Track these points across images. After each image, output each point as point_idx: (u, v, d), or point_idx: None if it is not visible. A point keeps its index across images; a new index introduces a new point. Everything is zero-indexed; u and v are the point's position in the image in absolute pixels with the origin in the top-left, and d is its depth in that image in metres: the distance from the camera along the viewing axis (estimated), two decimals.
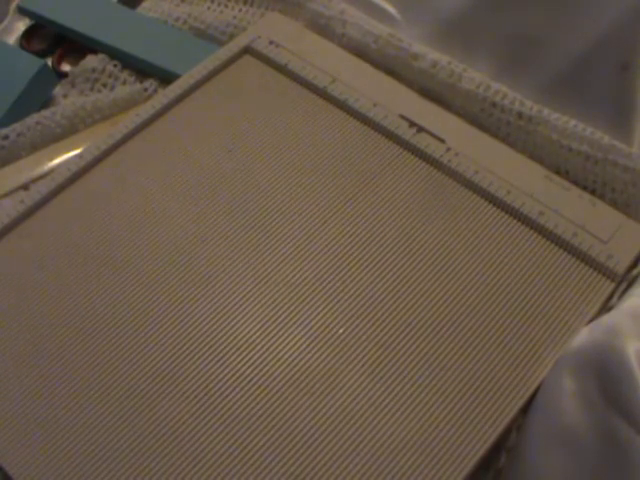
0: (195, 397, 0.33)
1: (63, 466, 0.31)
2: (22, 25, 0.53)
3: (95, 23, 0.49)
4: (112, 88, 0.48)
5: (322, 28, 0.47)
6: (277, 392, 0.33)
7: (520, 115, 0.41)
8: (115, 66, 0.48)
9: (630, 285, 0.36)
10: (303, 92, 0.44)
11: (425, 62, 0.43)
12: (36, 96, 0.47)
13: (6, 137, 0.43)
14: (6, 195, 0.42)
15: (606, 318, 0.32)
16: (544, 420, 0.31)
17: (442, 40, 0.46)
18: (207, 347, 0.34)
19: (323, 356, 0.34)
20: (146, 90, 0.47)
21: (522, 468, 0.32)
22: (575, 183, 0.40)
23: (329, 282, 0.36)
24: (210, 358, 0.34)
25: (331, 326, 0.35)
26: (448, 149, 0.41)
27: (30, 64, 0.46)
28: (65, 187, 0.40)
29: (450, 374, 0.33)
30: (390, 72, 0.45)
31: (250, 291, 0.36)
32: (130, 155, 0.41)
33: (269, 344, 0.34)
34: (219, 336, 0.34)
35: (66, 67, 0.50)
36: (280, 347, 0.34)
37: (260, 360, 0.34)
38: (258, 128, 0.42)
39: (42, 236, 0.38)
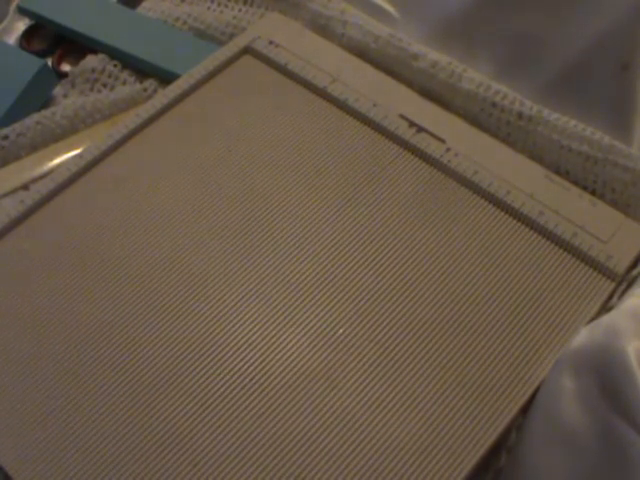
0: (195, 397, 0.33)
1: (63, 466, 0.31)
2: (22, 25, 0.53)
3: (95, 23, 0.49)
4: (112, 88, 0.48)
5: (322, 28, 0.47)
6: (277, 392, 0.33)
7: (520, 115, 0.41)
8: (115, 66, 0.48)
9: (630, 285, 0.36)
10: (303, 92, 0.44)
11: (425, 62, 0.43)
12: (36, 96, 0.47)
13: (6, 137, 0.43)
14: (6, 195, 0.42)
15: (606, 318, 0.32)
16: (544, 420, 0.31)
17: (442, 40, 0.46)
18: (207, 347, 0.34)
19: (323, 356, 0.34)
20: (146, 90, 0.47)
21: (522, 468, 0.32)
22: (575, 183, 0.40)
23: (329, 282, 0.36)
24: (210, 358, 0.34)
25: (331, 326, 0.35)
26: (448, 149, 0.41)
27: (30, 64, 0.46)
28: (65, 187, 0.40)
29: (450, 374, 0.33)
30: (390, 72, 0.45)
31: (250, 291, 0.36)
32: (130, 155, 0.41)
33: (269, 344, 0.34)
34: (219, 336, 0.34)
35: (66, 67, 0.50)
36: (280, 347, 0.34)
37: (260, 360, 0.34)
38: (258, 128, 0.42)
39: (42, 236, 0.38)
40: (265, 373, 0.33)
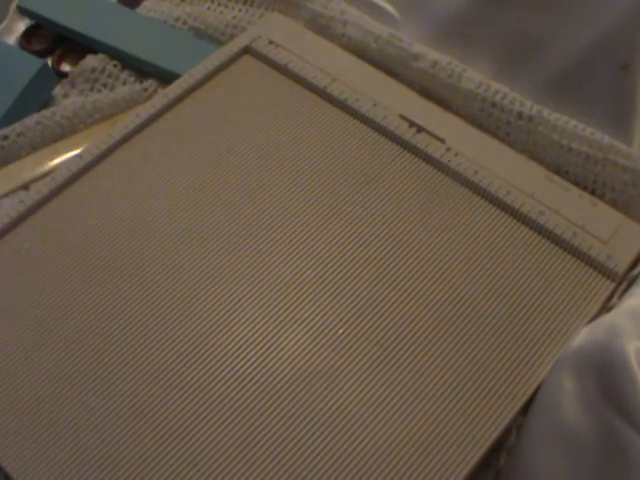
0: (195, 397, 0.33)
1: (63, 466, 0.31)
2: (22, 25, 0.53)
3: (95, 23, 0.49)
4: (112, 88, 0.48)
5: (322, 28, 0.47)
6: (277, 392, 0.33)
7: (520, 115, 0.41)
8: (115, 66, 0.48)
9: (630, 285, 0.36)
10: (303, 92, 0.44)
11: (425, 62, 0.43)
12: (36, 96, 0.47)
13: (6, 137, 0.43)
14: (6, 195, 0.42)
15: (606, 318, 0.32)
16: (544, 420, 0.31)
17: (442, 40, 0.46)
18: (207, 347, 0.34)
19: (323, 356, 0.34)
20: (146, 90, 0.47)
21: (522, 468, 0.32)
22: (575, 183, 0.40)
23: (329, 282, 0.36)
24: (210, 358, 0.34)
25: (331, 326, 0.35)
26: (448, 149, 0.41)
27: (30, 64, 0.46)
28: (65, 187, 0.40)
29: (450, 374, 0.33)
30: (390, 72, 0.45)
31: (250, 291, 0.36)
32: (130, 155, 0.41)
33: (269, 344, 0.34)
34: (219, 336, 0.34)
35: (66, 67, 0.50)
36: (280, 347, 0.34)
37: (260, 360, 0.34)
38: (258, 128, 0.42)
39: (42, 236, 0.38)
40: (265, 373, 0.33)
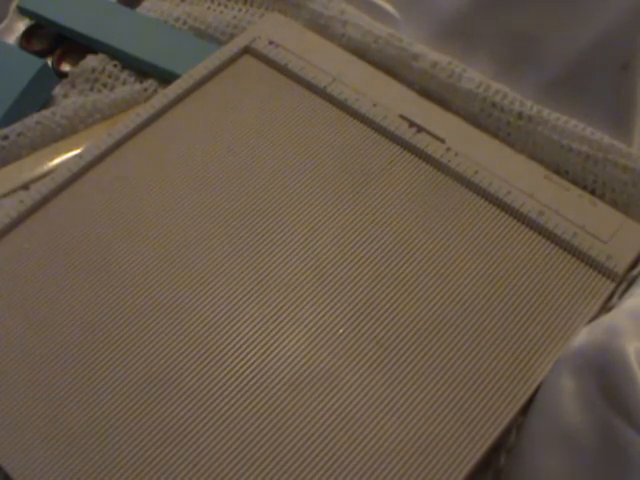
0: (195, 398, 0.33)
1: (63, 466, 0.31)
2: (22, 25, 0.53)
3: (95, 23, 0.49)
4: (112, 88, 0.48)
5: (322, 28, 0.47)
6: (277, 392, 0.33)
7: (520, 115, 0.41)
8: (115, 66, 0.48)
9: (630, 285, 0.36)
10: (303, 92, 0.44)
11: (425, 62, 0.43)
12: (36, 96, 0.47)
13: (6, 137, 0.43)
14: (6, 195, 0.42)
15: (606, 318, 0.32)
16: (544, 420, 0.31)
17: (442, 40, 0.46)
18: (207, 347, 0.34)
19: (323, 356, 0.34)
20: (146, 90, 0.47)
21: (522, 468, 0.32)
22: (575, 183, 0.40)
23: (329, 282, 0.36)
24: (210, 358, 0.34)
25: (331, 326, 0.35)
26: (448, 149, 0.41)
27: (30, 64, 0.46)
28: (65, 187, 0.40)
29: (450, 374, 0.33)
30: (390, 72, 0.45)
31: (250, 291, 0.36)
32: (130, 155, 0.41)
33: (269, 344, 0.34)
34: (219, 336, 0.34)
35: (66, 67, 0.50)
36: (280, 347, 0.34)
37: (260, 360, 0.34)
38: (258, 128, 0.42)
39: (42, 236, 0.38)
40: (265, 373, 0.33)
